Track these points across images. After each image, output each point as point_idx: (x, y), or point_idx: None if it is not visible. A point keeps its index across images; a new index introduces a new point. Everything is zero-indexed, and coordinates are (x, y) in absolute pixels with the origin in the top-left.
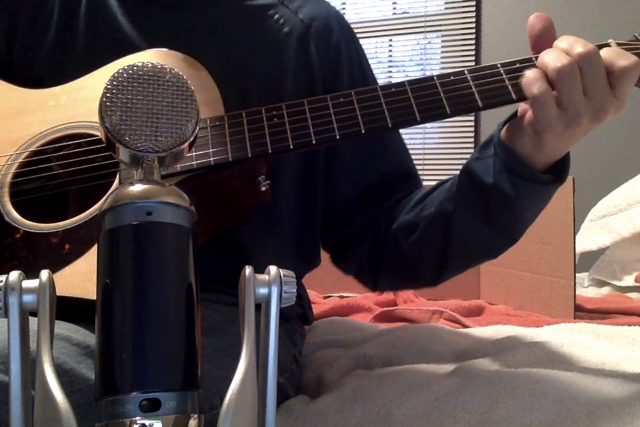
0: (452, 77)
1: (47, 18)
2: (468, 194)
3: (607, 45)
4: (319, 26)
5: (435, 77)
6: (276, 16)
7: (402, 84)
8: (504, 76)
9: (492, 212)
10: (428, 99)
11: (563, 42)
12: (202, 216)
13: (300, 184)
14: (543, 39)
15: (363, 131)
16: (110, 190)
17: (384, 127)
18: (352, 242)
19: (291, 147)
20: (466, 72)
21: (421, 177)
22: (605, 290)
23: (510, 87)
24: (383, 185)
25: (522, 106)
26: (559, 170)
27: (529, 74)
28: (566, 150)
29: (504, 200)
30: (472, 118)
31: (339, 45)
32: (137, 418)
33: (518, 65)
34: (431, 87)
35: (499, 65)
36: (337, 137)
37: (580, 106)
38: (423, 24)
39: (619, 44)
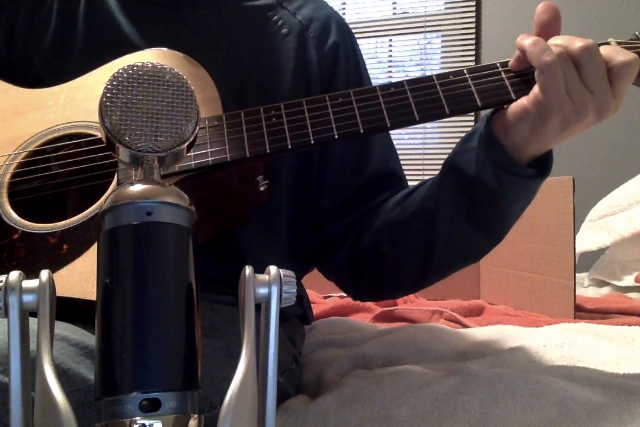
0: (451, 77)
1: (46, 17)
2: (451, 189)
3: (607, 44)
4: (317, 27)
5: (434, 77)
6: (275, 17)
7: (400, 83)
8: (503, 75)
9: (476, 209)
10: (427, 98)
11: (558, 39)
12: (200, 216)
13: (297, 184)
14: (548, 29)
15: (362, 131)
16: (108, 191)
17: (383, 127)
18: (332, 244)
19: (289, 146)
20: (465, 71)
21: (421, 177)
22: (605, 290)
23: (509, 87)
24: (368, 188)
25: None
26: (542, 165)
27: (536, 44)
28: (557, 143)
29: (488, 194)
30: (472, 118)
31: (337, 46)
32: (137, 418)
33: None
34: (430, 87)
35: (498, 65)
36: (336, 137)
37: (585, 97)
38: (423, 24)
39: (619, 43)
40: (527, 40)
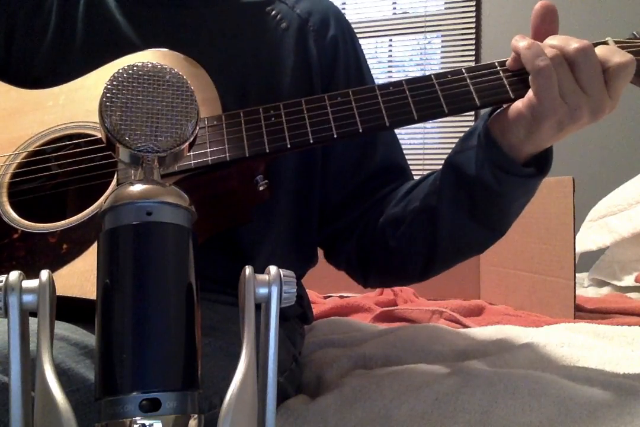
0: (449, 76)
1: (46, 18)
2: (452, 187)
3: (605, 43)
4: (316, 20)
5: (432, 76)
6: (273, 12)
7: (399, 83)
8: (502, 75)
9: (477, 206)
10: (425, 97)
11: (554, 40)
12: (200, 216)
13: (297, 184)
14: (545, 28)
15: (361, 130)
16: (108, 191)
17: (382, 126)
18: (340, 237)
19: (288, 146)
20: (464, 71)
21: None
22: (605, 290)
23: (507, 86)
24: (372, 180)
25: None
26: (541, 163)
27: (530, 47)
28: (554, 142)
29: (488, 193)
30: (472, 118)
31: (336, 39)
32: (137, 418)
33: None
34: (429, 86)
35: (496, 64)
36: (335, 136)
37: (580, 99)
38: (423, 24)
39: (617, 42)
40: (521, 43)
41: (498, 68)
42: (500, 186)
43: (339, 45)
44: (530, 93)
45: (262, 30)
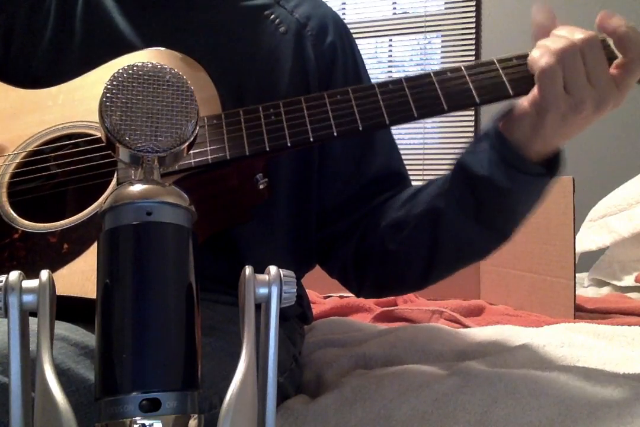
0: (448, 73)
1: (44, 17)
2: (460, 188)
3: (604, 41)
4: (314, 25)
5: (432, 74)
6: (272, 16)
7: (399, 80)
8: (501, 72)
9: (484, 207)
10: (425, 95)
11: (562, 30)
12: (200, 215)
13: (296, 184)
14: (546, 29)
15: (360, 128)
16: (108, 190)
17: (382, 124)
18: (337, 242)
19: (289, 144)
20: (463, 68)
21: (421, 177)
22: (605, 290)
23: (507, 83)
24: (371, 186)
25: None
26: (552, 166)
27: (535, 51)
28: (562, 141)
29: (497, 193)
30: (472, 118)
31: (334, 45)
32: (137, 418)
33: (515, 61)
34: (428, 83)
35: (495, 61)
36: (335, 134)
37: (584, 92)
38: (423, 24)
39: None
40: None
41: (497, 65)
42: (512, 185)
43: (338, 51)
44: (534, 89)
45: (260, 34)
